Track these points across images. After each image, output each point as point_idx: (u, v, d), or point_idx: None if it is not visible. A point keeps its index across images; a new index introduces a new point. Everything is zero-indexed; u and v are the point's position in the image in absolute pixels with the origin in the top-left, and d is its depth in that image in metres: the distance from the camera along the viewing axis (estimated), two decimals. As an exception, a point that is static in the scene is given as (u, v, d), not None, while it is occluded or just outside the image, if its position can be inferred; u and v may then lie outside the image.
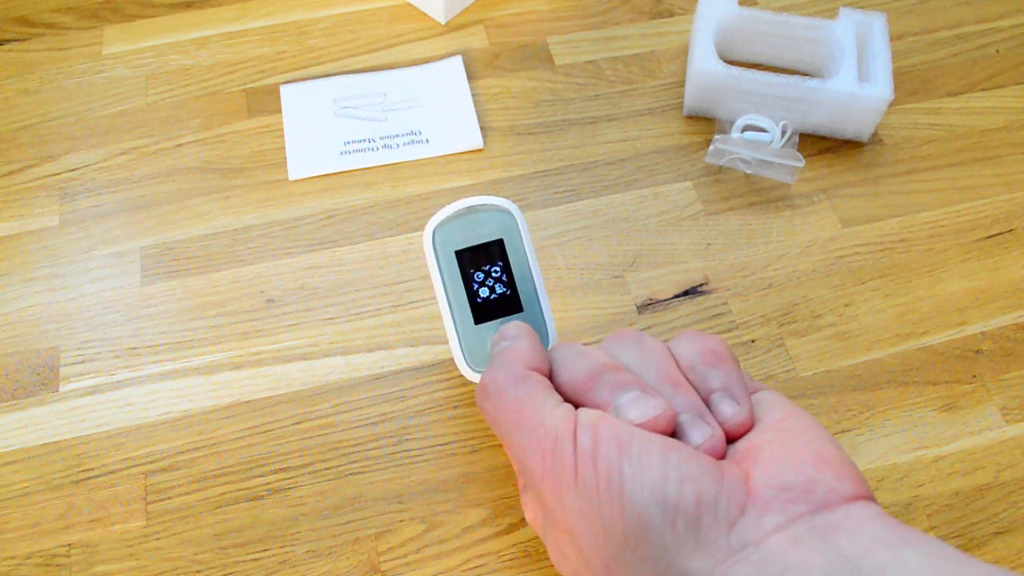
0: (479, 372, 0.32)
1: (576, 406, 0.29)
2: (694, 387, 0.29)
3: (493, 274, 0.33)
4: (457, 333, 0.33)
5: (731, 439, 0.28)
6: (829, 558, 0.23)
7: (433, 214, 0.34)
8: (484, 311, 0.32)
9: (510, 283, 0.33)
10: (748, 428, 0.28)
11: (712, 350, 0.30)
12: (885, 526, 0.24)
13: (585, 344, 0.31)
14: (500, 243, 0.33)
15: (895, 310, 0.40)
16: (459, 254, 0.33)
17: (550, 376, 0.30)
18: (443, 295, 0.33)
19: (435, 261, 0.33)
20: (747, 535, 0.24)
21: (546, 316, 0.33)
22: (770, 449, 0.27)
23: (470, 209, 0.33)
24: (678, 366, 0.30)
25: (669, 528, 0.25)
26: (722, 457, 0.27)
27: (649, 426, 0.27)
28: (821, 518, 0.24)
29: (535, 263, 0.33)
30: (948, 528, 0.34)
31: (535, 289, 0.33)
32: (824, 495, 0.25)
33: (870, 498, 0.26)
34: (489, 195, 0.35)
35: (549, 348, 0.32)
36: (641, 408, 0.27)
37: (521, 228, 0.33)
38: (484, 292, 0.33)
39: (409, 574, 0.33)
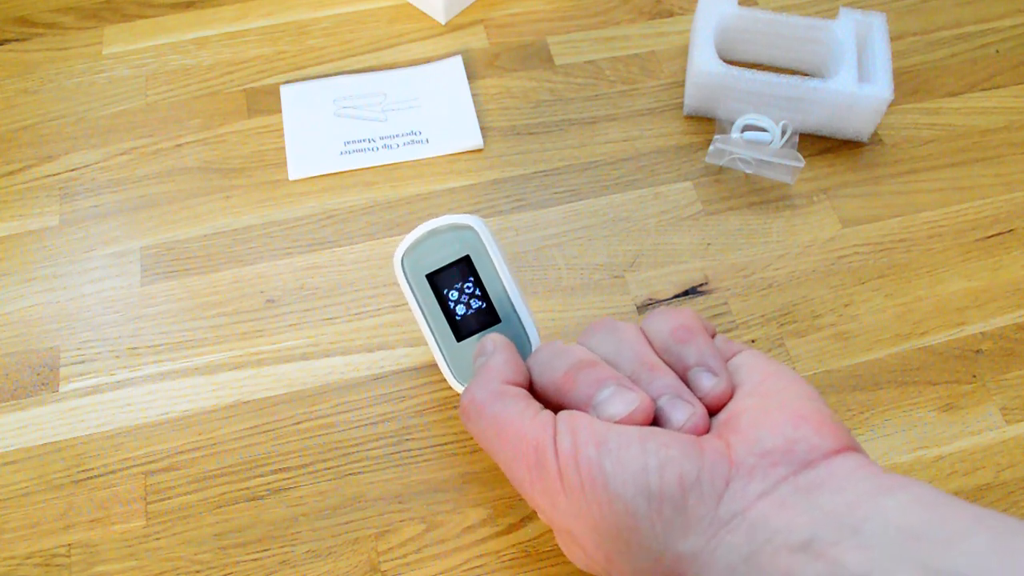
0: None
1: (560, 406, 0.29)
2: (671, 366, 0.30)
3: (466, 290, 0.33)
4: (442, 353, 0.33)
5: (713, 411, 0.29)
6: (813, 516, 0.23)
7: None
8: (464, 328, 0.33)
9: (484, 296, 0.33)
10: (728, 397, 0.29)
11: (683, 326, 0.30)
12: (868, 475, 0.24)
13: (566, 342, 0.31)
14: (467, 259, 0.33)
15: (895, 310, 0.40)
16: (430, 277, 0.33)
17: (531, 382, 0.31)
18: (422, 319, 0.33)
19: (408, 287, 0.33)
20: (734, 506, 0.25)
21: (525, 323, 0.33)
22: (748, 416, 0.27)
23: (432, 232, 0.33)
24: (653, 347, 0.30)
25: (657, 516, 0.25)
26: (706, 431, 0.28)
27: (628, 421, 0.27)
28: (804, 477, 0.25)
29: (506, 272, 0.33)
30: (948, 528, 0.34)
31: (510, 298, 0.33)
32: (805, 453, 0.25)
33: (854, 448, 0.26)
34: (451, 214, 0.35)
35: (533, 352, 0.32)
36: (618, 404, 0.27)
37: (486, 241, 0.33)
38: (460, 309, 0.33)
39: (409, 574, 0.33)
